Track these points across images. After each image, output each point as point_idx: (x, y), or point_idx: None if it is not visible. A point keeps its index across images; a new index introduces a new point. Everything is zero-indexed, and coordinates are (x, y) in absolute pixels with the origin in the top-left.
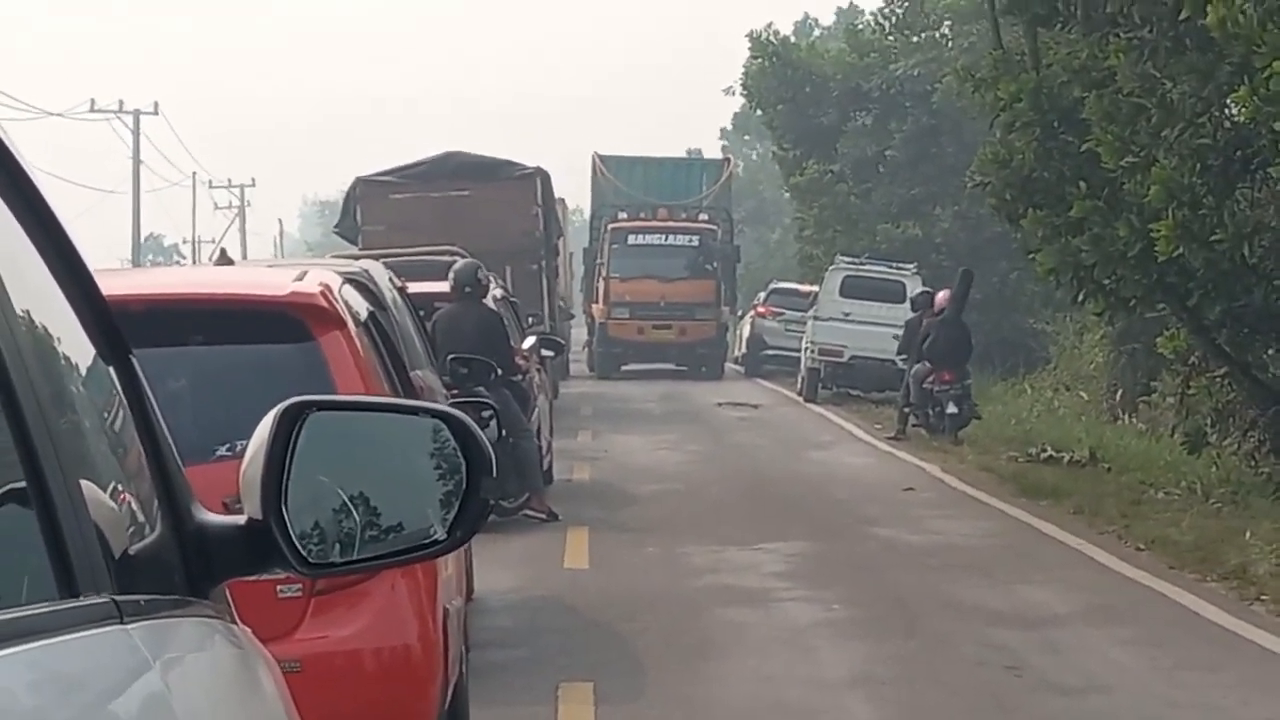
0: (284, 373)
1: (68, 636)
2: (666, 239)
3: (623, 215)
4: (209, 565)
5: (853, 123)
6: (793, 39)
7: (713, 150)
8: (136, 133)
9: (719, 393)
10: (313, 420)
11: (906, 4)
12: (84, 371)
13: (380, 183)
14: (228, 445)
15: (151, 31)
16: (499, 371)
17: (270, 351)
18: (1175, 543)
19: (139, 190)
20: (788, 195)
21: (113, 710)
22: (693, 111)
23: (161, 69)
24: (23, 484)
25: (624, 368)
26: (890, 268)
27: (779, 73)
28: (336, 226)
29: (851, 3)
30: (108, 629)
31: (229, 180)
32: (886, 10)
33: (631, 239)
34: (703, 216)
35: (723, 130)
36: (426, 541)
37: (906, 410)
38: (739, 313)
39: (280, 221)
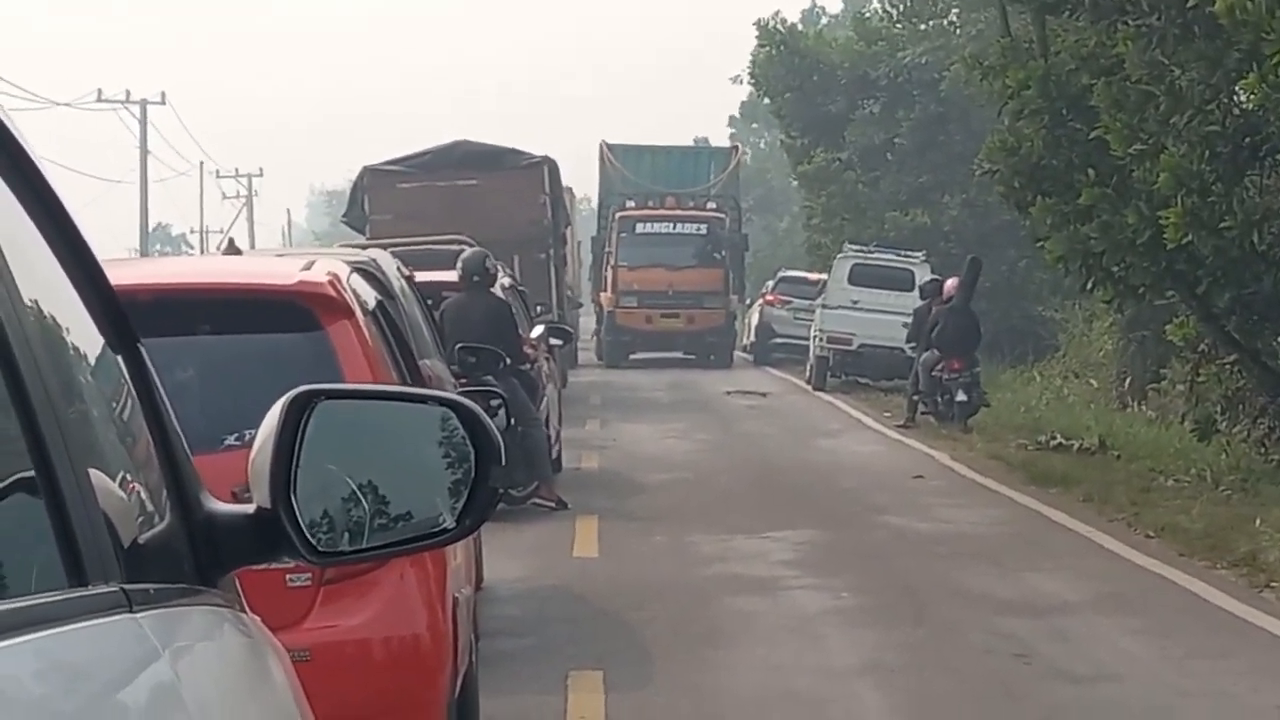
0: (292, 362)
1: (77, 625)
2: (674, 227)
3: (630, 204)
4: (218, 554)
5: (860, 111)
6: (800, 27)
7: (720, 139)
8: (144, 123)
9: (727, 381)
10: (321, 409)
11: None
12: (92, 361)
13: (388, 172)
14: (236, 434)
15: (158, 21)
16: (507, 360)
17: (278, 341)
18: (1185, 530)
19: (146, 180)
20: (795, 183)
21: (122, 699)
22: (700, 100)
23: (169, 59)
24: (32, 473)
25: (632, 356)
26: (899, 256)
27: (786, 61)
28: (344, 216)
29: None
30: (117, 618)
31: (236, 170)
32: None
33: (639, 228)
34: (711, 205)
35: (730, 119)
36: (435, 530)
37: (915, 398)
38: (747, 301)
39: (288, 211)
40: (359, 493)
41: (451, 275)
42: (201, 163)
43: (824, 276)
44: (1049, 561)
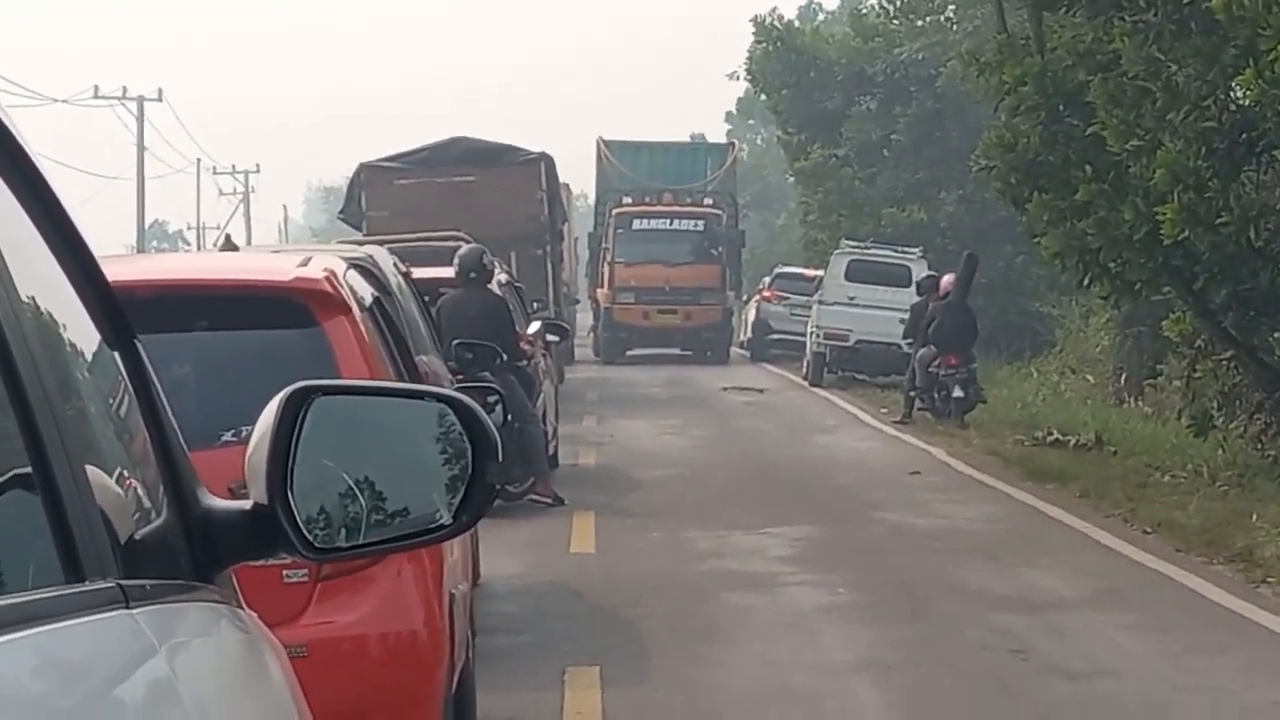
0: (289, 358)
1: (73, 621)
2: (671, 224)
3: (627, 200)
4: (215, 550)
5: (857, 107)
6: (797, 24)
7: (717, 135)
8: (141, 119)
9: (724, 377)
10: (318, 405)
11: None
12: (89, 357)
13: (385, 168)
14: (233, 431)
15: (155, 19)
16: (504, 356)
17: (275, 337)
18: (1182, 526)
19: (143, 177)
20: (792, 180)
21: (119, 695)
22: (697, 96)
23: (165, 56)
24: (28, 469)
25: (629, 352)
26: (895, 252)
27: (783, 57)
28: (341, 212)
29: None
30: (113, 614)
31: (233, 166)
32: None
33: (636, 224)
34: (707, 201)
35: (727, 115)
36: (432, 526)
37: (912, 394)
38: (744, 297)
39: (285, 207)
40: (356, 489)
41: (448, 271)
42: (198, 159)
43: (821, 273)
44: (1045, 557)
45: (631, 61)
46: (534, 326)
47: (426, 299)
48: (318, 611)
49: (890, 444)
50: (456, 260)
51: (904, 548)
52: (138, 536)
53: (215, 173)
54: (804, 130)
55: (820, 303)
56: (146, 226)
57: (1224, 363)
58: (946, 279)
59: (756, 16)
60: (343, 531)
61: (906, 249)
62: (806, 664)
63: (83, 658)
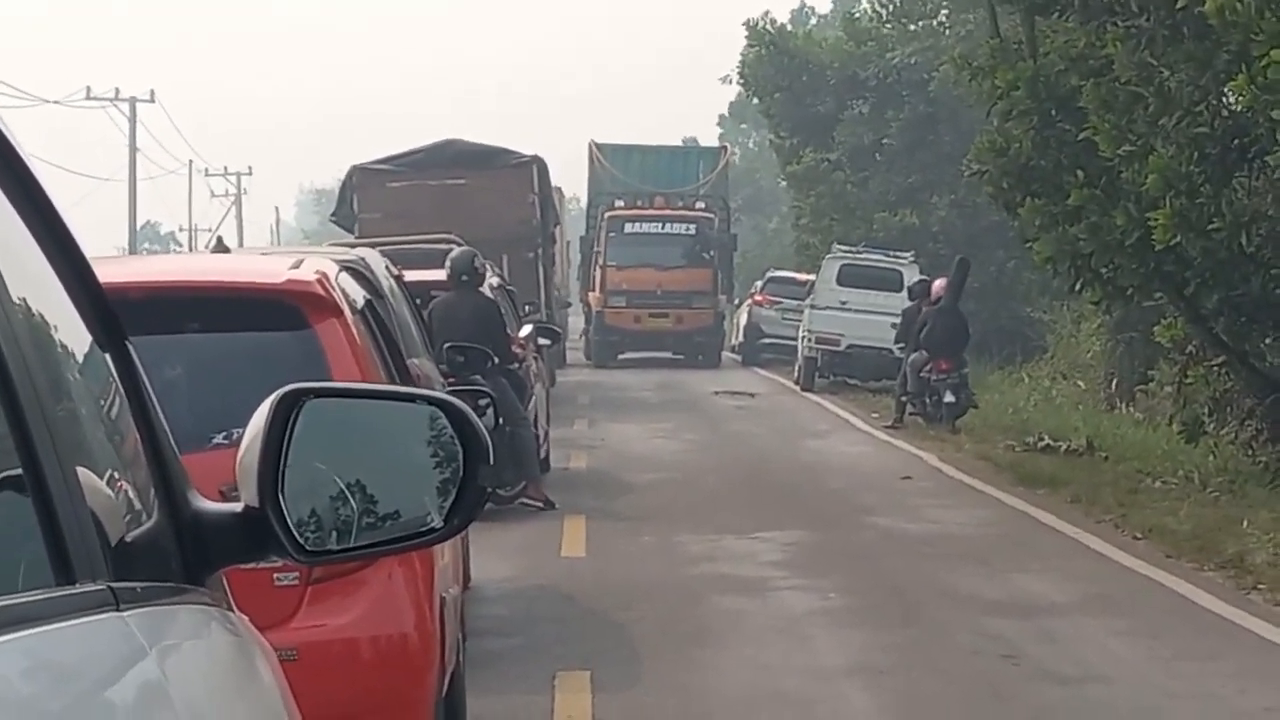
0: (281, 361)
1: (64, 624)
2: (663, 227)
3: (619, 203)
4: (206, 553)
5: (850, 111)
6: (789, 27)
7: (709, 138)
8: (133, 120)
9: (716, 381)
10: (309, 408)
11: None
12: (80, 359)
13: (377, 171)
14: (224, 433)
15: (148, 19)
16: (496, 360)
17: (267, 339)
18: (1173, 532)
19: (135, 178)
20: (784, 184)
21: (109, 698)
22: (689, 100)
23: (158, 57)
24: (19, 471)
25: (621, 356)
26: (887, 256)
27: (776, 61)
28: (333, 214)
29: None
30: (104, 616)
31: (225, 168)
32: None
33: (628, 227)
34: (699, 205)
35: (720, 118)
36: (423, 529)
37: (904, 399)
38: (736, 301)
39: (277, 209)
40: (347, 492)
41: (440, 274)
42: (190, 161)
43: (812, 277)
44: (1037, 562)
45: (624, 65)
46: (525, 330)
47: (418, 302)
48: (308, 614)
49: (881, 449)
50: (448, 263)
51: (895, 552)
52: (128, 539)
53: (207, 174)
54: (796, 134)
55: (812, 307)
56: (138, 228)
57: (1215, 368)
58: (938, 283)
59: (749, 20)
60: (334, 534)
61: (898, 253)
62: (798, 668)
63: (73, 660)
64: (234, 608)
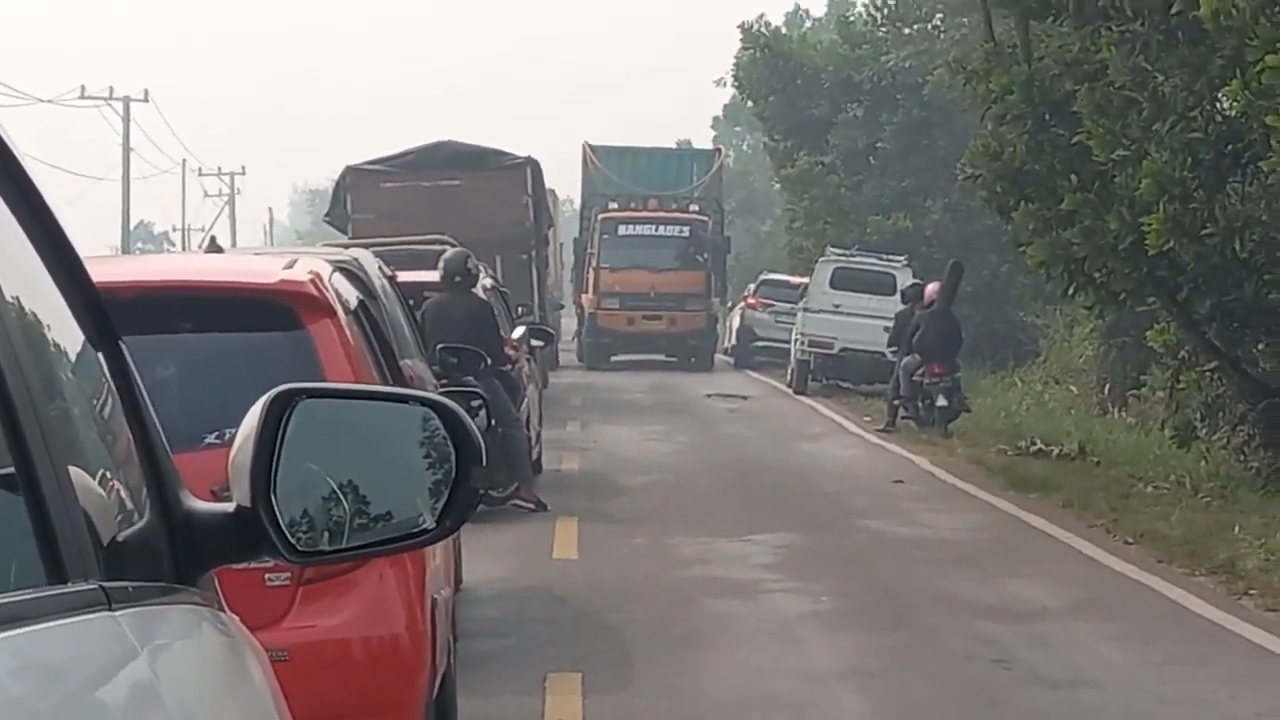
0: (273, 361)
1: (55, 623)
2: (657, 229)
3: (613, 205)
4: (197, 553)
5: (844, 114)
6: (784, 30)
7: (703, 141)
8: (126, 120)
9: (708, 384)
10: (302, 408)
11: None
12: (73, 358)
13: (371, 171)
14: (217, 433)
15: (143, 19)
16: (488, 361)
17: (260, 339)
18: (1164, 536)
19: (129, 177)
20: (778, 186)
21: (100, 698)
22: (683, 102)
23: (152, 56)
24: (11, 470)
25: (613, 358)
26: (880, 260)
27: (770, 64)
28: (326, 215)
29: None
30: (96, 616)
31: (219, 168)
32: (878, 2)
33: (622, 229)
34: (693, 207)
35: (714, 121)
36: (415, 530)
37: (896, 403)
38: (729, 304)
39: (270, 209)
40: (339, 492)
41: (433, 275)
42: (184, 160)
43: (806, 280)
44: (1028, 567)
45: (618, 67)
46: (518, 331)
47: (411, 302)
48: (300, 615)
49: (874, 452)
50: (441, 264)
51: (887, 556)
52: (120, 538)
53: (201, 174)
54: (790, 137)
55: (805, 310)
56: (131, 227)
57: (1208, 374)
58: (931, 287)
59: (744, 23)
60: (325, 535)
61: (892, 257)
62: (790, 671)
63: (64, 659)
64: (225, 608)
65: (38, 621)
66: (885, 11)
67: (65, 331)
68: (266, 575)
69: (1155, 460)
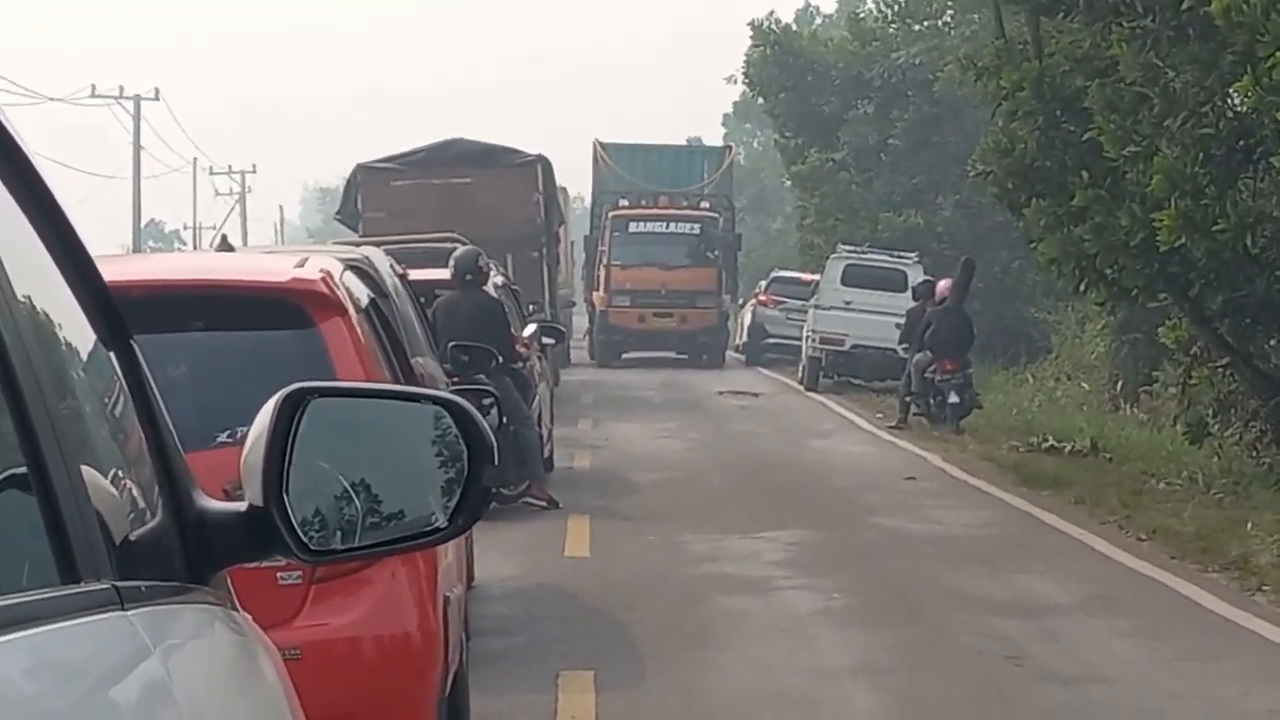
0: (285, 359)
1: (68, 623)
2: (668, 227)
3: (624, 203)
4: (210, 552)
5: (854, 111)
6: (794, 27)
7: (714, 138)
8: (137, 118)
9: (720, 381)
10: (314, 407)
11: None
12: (85, 357)
13: (381, 170)
14: (229, 432)
15: (153, 17)
16: (500, 359)
17: (271, 338)
18: (1176, 533)
19: (139, 176)
20: (789, 183)
21: (113, 697)
22: (694, 99)
23: (163, 55)
24: (23, 469)
25: (625, 355)
26: (892, 256)
27: (780, 61)
28: (337, 213)
29: None
30: (108, 615)
31: (230, 166)
32: None
33: (633, 226)
34: (704, 204)
35: (724, 118)
36: (428, 529)
37: (908, 399)
38: (740, 301)
39: (281, 208)
40: (351, 491)
41: (444, 273)
42: (195, 159)
43: (817, 277)
44: (1040, 563)
45: (628, 64)
46: (529, 329)
47: (422, 301)
48: (312, 614)
49: (885, 449)
50: (452, 262)
51: (899, 553)
52: (133, 537)
53: (211, 173)
54: (801, 134)
55: (816, 307)
56: (142, 226)
57: (1220, 370)
58: (943, 284)
59: (754, 20)
60: (338, 534)
61: (903, 254)
62: (801, 668)
63: (77, 659)
64: (238, 607)
65: (51, 621)
66: (896, 8)
67: (77, 330)
68: (279, 574)
69: (1167, 456)
